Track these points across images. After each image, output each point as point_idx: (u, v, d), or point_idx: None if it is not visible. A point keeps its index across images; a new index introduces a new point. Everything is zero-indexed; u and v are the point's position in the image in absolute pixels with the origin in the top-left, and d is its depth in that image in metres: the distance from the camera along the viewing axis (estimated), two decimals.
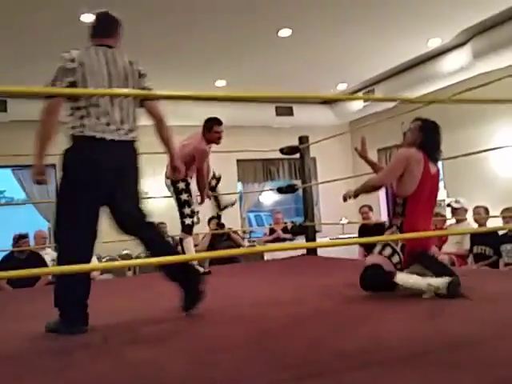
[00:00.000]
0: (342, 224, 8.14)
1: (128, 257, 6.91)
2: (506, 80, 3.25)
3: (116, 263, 4.71)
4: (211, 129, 4.02)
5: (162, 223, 7.30)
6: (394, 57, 6.63)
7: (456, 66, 6.26)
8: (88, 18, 4.50)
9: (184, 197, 3.98)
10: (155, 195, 8.01)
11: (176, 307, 2.37)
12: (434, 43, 6.17)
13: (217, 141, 4.08)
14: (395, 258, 2.63)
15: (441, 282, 2.37)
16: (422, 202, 2.68)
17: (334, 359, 1.59)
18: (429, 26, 5.63)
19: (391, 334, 1.84)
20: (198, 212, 4.19)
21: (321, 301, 2.58)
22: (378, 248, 2.71)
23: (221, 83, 7.15)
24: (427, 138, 2.73)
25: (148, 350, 1.87)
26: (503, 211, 4.88)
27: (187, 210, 3.98)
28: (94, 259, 5.66)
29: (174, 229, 6.93)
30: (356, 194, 2.80)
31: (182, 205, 3.99)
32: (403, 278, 2.48)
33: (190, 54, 6.01)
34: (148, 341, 2.02)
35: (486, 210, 5.16)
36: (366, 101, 8.02)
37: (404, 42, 6.09)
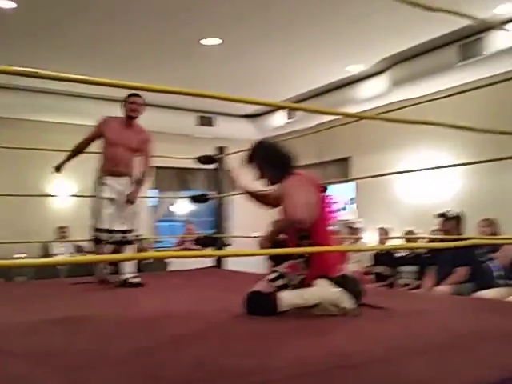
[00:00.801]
0: (254, 237, 8.11)
1: None
2: (419, 108, 3.36)
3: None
4: (126, 101, 3.64)
5: (63, 227, 6.88)
6: (317, 78, 6.78)
7: (374, 92, 6.51)
8: None
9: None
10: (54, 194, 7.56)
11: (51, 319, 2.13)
12: (356, 69, 6.39)
13: (129, 113, 3.62)
14: (279, 282, 2.43)
15: (342, 298, 2.31)
16: (324, 227, 2.53)
17: (218, 378, 1.47)
18: (351, 52, 5.84)
19: (281, 353, 1.75)
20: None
21: (217, 316, 2.46)
22: (271, 276, 2.48)
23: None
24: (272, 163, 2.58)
25: (18, 365, 1.65)
26: (406, 233, 5.09)
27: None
28: None
29: (78, 233, 6.59)
30: (270, 240, 2.48)
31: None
32: (287, 298, 2.31)
33: (110, 56, 5.76)
34: (18, 355, 1.78)
35: (386, 232, 5.41)
36: (288, 119, 8.11)
37: (326, 65, 6.25)
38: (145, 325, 2.27)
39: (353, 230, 5.76)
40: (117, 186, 3.60)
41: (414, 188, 6.70)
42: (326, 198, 2.67)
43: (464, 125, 1.95)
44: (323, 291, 2.33)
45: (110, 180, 3.61)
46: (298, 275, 2.43)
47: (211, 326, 2.23)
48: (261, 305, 2.33)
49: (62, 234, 6.78)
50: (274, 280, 2.44)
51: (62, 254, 6.59)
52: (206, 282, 4.07)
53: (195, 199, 5.42)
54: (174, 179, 8.89)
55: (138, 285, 3.52)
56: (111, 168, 3.62)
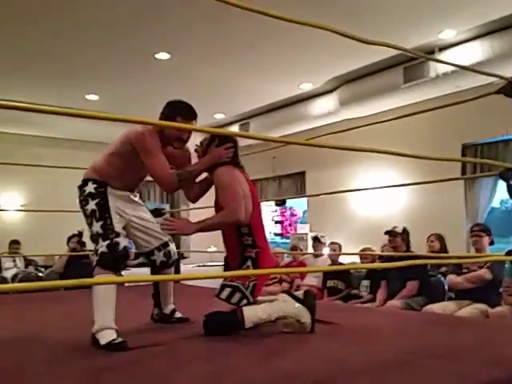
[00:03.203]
0: (210, 252, 8.15)
1: None
2: (367, 129, 3.50)
3: None
4: (172, 119, 2.49)
5: (16, 242, 6.66)
6: (269, 95, 6.91)
7: (324, 110, 6.71)
8: None
9: (92, 206, 2.46)
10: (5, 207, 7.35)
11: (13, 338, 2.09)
12: (306, 87, 6.57)
13: (175, 142, 2.55)
14: (235, 297, 2.39)
15: (302, 312, 2.37)
16: (261, 223, 2.57)
17: None
18: (302, 71, 6.00)
19: (228, 374, 1.79)
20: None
21: (160, 335, 2.47)
22: (223, 294, 2.41)
23: (92, 97, 6.84)
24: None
25: None
26: (361, 250, 5.25)
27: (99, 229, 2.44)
28: None
29: (29, 248, 6.40)
30: (200, 230, 2.38)
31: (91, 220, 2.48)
32: (252, 314, 2.33)
33: (61, 63, 5.67)
34: None
35: (340, 247, 5.56)
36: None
37: (278, 83, 6.40)
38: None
39: (319, 244, 5.89)
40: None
41: (365, 204, 6.93)
42: (255, 188, 2.67)
43: (409, 153, 2.07)
44: (287, 306, 2.40)
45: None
46: (250, 281, 2.42)
47: (155, 345, 2.24)
48: (225, 324, 2.33)
49: (14, 249, 6.56)
50: (229, 298, 2.41)
51: (11, 269, 6.40)
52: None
53: (150, 213, 5.40)
54: None
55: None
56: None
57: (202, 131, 1.99)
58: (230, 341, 2.27)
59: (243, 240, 2.50)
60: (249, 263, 2.46)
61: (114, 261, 2.34)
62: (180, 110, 2.54)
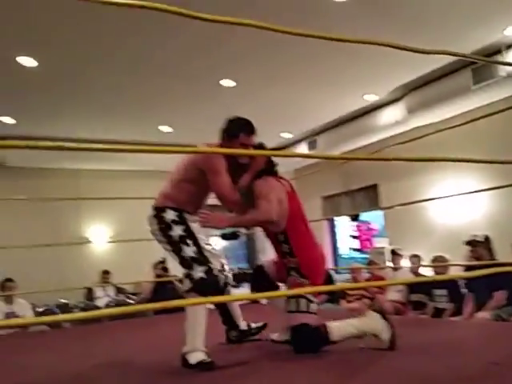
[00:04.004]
0: None
1: (65, 306, 6.62)
2: (438, 134, 3.43)
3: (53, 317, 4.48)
4: (236, 137, 2.63)
5: (106, 272, 7.06)
6: (334, 109, 6.91)
7: (391, 120, 6.61)
8: None
9: (179, 232, 2.53)
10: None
11: (109, 362, 2.28)
12: (370, 98, 6.52)
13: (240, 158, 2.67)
14: (313, 306, 2.50)
15: (381, 328, 2.40)
16: (302, 227, 2.60)
17: None
18: (365, 83, 5.96)
19: None
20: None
21: (243, 353, 2.55)
22: (292, 306, 2.49)
23: (164, 128, 7.19)
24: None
25: None
26: (433, 260, 5.06)
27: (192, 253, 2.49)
28: (29, 309, 5.42)
29: (118, 277, 6.80)
30: (231, 225, 2.50)
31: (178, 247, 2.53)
32: (338, 330, 2.40)
33: (133, 98, 6.03)
34: None
35: (419, 259, 5.37)
36: (310, 150, 8.26)
37: (342, 96, 6.39)
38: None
39: (397, 256, 5.77)
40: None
41: (445, 213, 6.68)
42: (296, 198, 2.72)
43: (483, 158, 2.03)
44: (373, 322, 2.43)
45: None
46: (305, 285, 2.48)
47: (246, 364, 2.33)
48: (313, 340, 2.40)
49: (104, 278, 6.97)
50: (297, 307, 2.47)
51: (102, 298, 6.77)
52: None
53: (226, 237, 5.55)
54: None
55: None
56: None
57: (265, 154, 2.11)
58: (314, 358, 2.31)
59: (281, 248, 2.57)
60: (293, 272, 2.53)
61: (212, 286, 2.39)
62: (242, 127, 2.65)
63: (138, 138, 7.08)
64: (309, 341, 2.40)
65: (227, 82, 5.67)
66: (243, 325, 2.91)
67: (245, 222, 2.52)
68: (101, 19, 4.08)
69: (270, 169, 2.72)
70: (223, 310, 2.88)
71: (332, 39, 1.81)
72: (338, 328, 2.42)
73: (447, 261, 4.89)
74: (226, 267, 2.77)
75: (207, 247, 2.62)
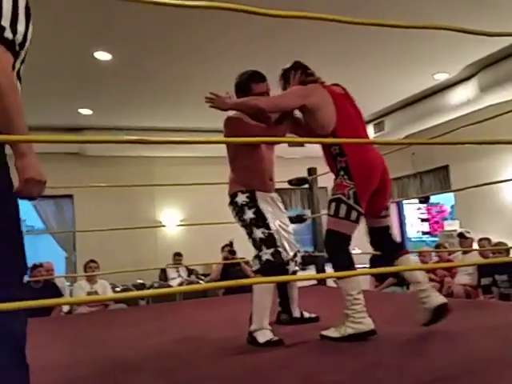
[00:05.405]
0: (354, 254, 8.14)
1: (142, 286, 7.04)
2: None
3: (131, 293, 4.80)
4: (249, 89, 2.73)
5: (178, 254, 7.39)
6: (402, 90, 6.76)
7: (463, 99, 6.37)
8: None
9: (250, 215, 2.59)
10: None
11: (183, 338, 2.46)
12: (441, 77, 6.31)
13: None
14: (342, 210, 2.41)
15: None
16: (355, 129, 2.56)
17: None
18: (435, 61, 5.77)
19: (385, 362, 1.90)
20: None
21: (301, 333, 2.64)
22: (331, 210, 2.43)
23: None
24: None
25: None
26: (494, 245, 4.91)
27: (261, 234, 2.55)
28: (109, 289, 5.83)
29: (190, 259, 7.13)
30: (233, 107, 2.60)
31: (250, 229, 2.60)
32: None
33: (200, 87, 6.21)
34: (151, 374, 2.11)
35: (490, 242, 5.21)
36: (376, 132, 8.13)
37: (411, 77, 6.23)
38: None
39: (465, 240, 5.61)
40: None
41: None
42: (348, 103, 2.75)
43: None
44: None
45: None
46: (349, 190, 2.40)
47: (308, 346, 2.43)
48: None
49: (177, 260, 7.31)
50: (336, 212, 2.43)
51: (176, 279, 7.12)
52: (309, 301, 4.21)
53: (292, 220, 5.65)
54: None
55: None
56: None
57: (330, 142, 2.17)
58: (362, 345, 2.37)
59: (332, 151, 2.51)
60: (342, 173, 2.45)
61: (278, 268, 2.45)
62: (250, 77, 2.75)
63: (204, 126, 7.28)
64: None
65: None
66: (297, 312, 2.98)
67: (245, 103, 2.59)
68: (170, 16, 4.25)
69: (306, 78, 2.77)
70: (282, 292, 2.96)
71: (406, 27, 1.82)
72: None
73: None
74: (299, 255, 2.85)
75: (280, 229, 2.71)
